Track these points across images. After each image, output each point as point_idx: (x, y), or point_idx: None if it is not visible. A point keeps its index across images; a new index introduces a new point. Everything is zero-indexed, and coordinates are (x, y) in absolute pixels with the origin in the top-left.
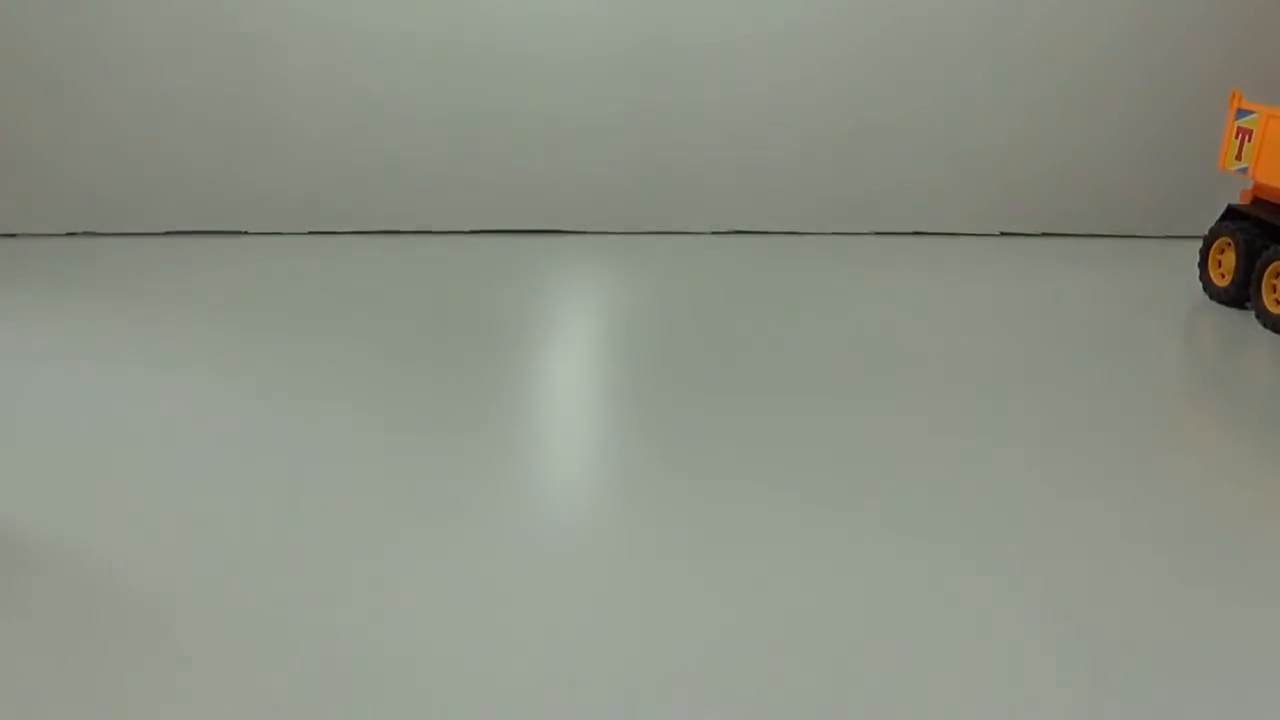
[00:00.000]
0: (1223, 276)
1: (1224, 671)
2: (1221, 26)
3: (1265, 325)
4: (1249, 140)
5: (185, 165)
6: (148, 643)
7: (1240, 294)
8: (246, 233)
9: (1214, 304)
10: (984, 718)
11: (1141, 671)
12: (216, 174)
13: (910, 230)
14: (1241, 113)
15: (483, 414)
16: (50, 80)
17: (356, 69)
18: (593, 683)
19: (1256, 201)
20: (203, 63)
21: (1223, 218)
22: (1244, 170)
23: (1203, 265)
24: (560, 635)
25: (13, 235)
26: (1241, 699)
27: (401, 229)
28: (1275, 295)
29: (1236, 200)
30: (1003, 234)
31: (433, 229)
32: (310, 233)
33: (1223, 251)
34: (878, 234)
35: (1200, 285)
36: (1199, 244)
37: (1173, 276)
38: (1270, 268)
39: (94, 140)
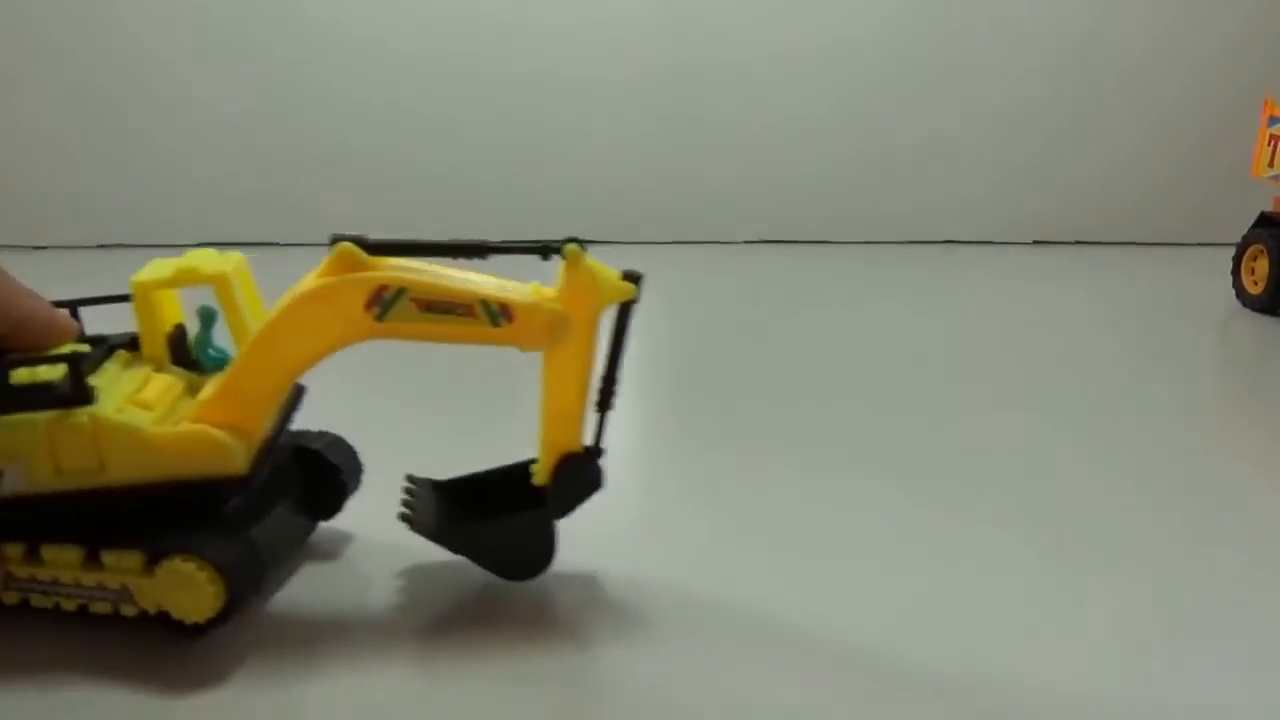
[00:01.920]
0: (1255, 284)
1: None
2: (1254, 34)
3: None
4: None
5: (216, 178)
6: None
7: (1273, 301)
8: (278, 244)
9: (1247, 311)
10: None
11: (1200, 663)
12: (248, 187)
13: (943, 239)
14: (1274, 120)
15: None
16: (82, 95)
17: (396, 88)
18: None
19: None
20: (236, 79)
21: (1256, 225)
22: (1277, 177)
23: (1235, 272)
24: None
25: (43, 247)
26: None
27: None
28: None
29: (1269, 207)
30: (1036, 242)
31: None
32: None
33: (1255, 259)
34: (911, 243)
35: (1233, 292)
36: (1232, 251)
37: (1205, 284)
38: None
39: (126, 154)
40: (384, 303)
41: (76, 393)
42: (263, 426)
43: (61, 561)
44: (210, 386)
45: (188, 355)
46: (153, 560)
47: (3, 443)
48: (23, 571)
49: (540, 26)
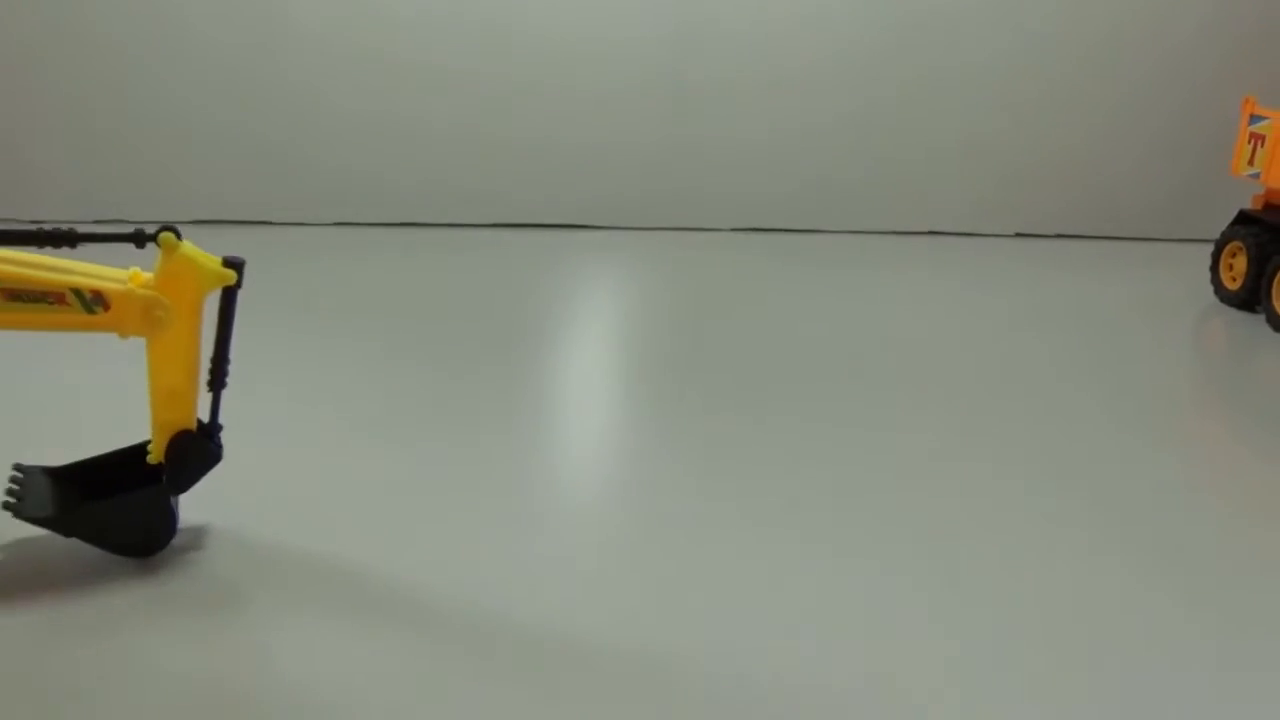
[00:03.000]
0: (1234, 280)
1: (1226, 668)
2: (1235, 32)
3: (1276, 329)
4: (1261, 146)
5: (212, 156)
6: None
7: (1251, 298)
8: (270, 223)
9: (1224, 307)
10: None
11: (1152, 674)
12: (244, 165)
13: (926, 230)
14: (1254, 118)
15: (490, 407)
16: (71, 73)
17: (374, 56)
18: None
19: (1269, 207)
20: (232, 58)
21: (1234, 222)
22: (1256, 175)
23: (1214, 269)
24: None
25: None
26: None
27: (421, 221)
28: None
29: (1248, 205)
30: (1017, 235)
31: (454, 222)
32: (335, 224)
33: (1234, 255)
34: (895, 233)
35: (1211, 288)
36: (1210, 248)
37: (1184, 279)
38: None
39: (118, 130)
40: None
41: None
42: None
43: None
44: None
45: None
46: None
47: None
48: None
49: (527, 9)
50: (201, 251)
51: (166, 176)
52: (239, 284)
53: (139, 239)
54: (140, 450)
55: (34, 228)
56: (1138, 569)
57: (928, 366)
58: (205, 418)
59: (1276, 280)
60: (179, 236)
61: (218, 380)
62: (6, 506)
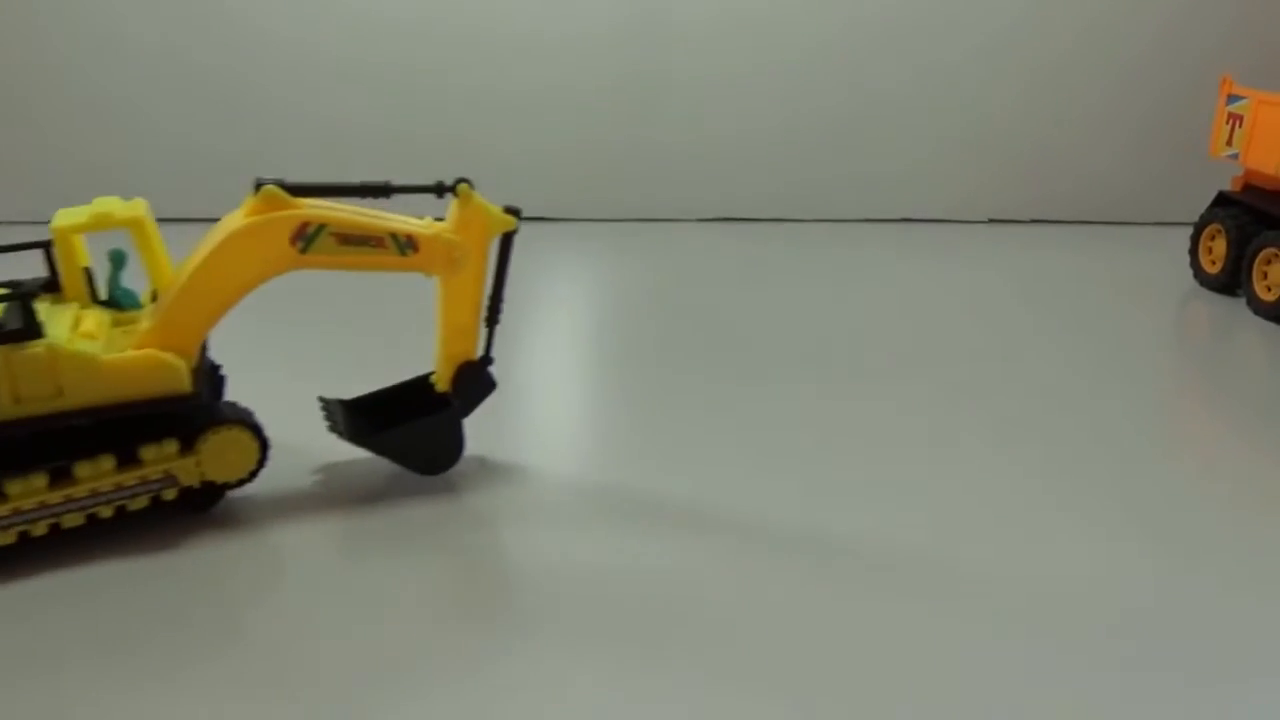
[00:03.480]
0: (1213, 263)
1: (1222, 660)
2: (1212, 11)
3: (1256, 312)
4: (1239, 126)
5: (205, 152)
6: None
7: (1231, 281)
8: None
9: (1205, 291)
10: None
11: (1138, 657)
12: (232, 159)
13: (899, 217)
14: (1232, 98)
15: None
16: (69, 68)
17: (339, 51)
18: None
19: (1248, 188)
20: (216, 48)
21: (1214, 204)
22: (1235, 156)
23: (1193, 252)
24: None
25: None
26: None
27: None
28: (1266, 282)
29: (1227, 187)
30: (991, 220)
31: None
32: None
33: (1213, 238)
34: (867, 221)
35: (1191, 272)
36: (1190, 231)
37: (1163, 263)
38: (1261, 255)
39: (115, 127)
40: (307, 237)
41: (29, 327)
42: (197, 351)
43: (98, 473)
44: (147, 318)
45: (96, 294)
46: (190, 441)
47: None
48: (54, 498)
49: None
50: (488, 202)
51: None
52: (516, 230)
53: (439, 190)
54: (418, 383)
55: (354, 182)
56: (1131, 545)
57: (906, 348)
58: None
59: (1257, 262)
60: (473, 188)
61: (494, 317)
62: (331, 429)
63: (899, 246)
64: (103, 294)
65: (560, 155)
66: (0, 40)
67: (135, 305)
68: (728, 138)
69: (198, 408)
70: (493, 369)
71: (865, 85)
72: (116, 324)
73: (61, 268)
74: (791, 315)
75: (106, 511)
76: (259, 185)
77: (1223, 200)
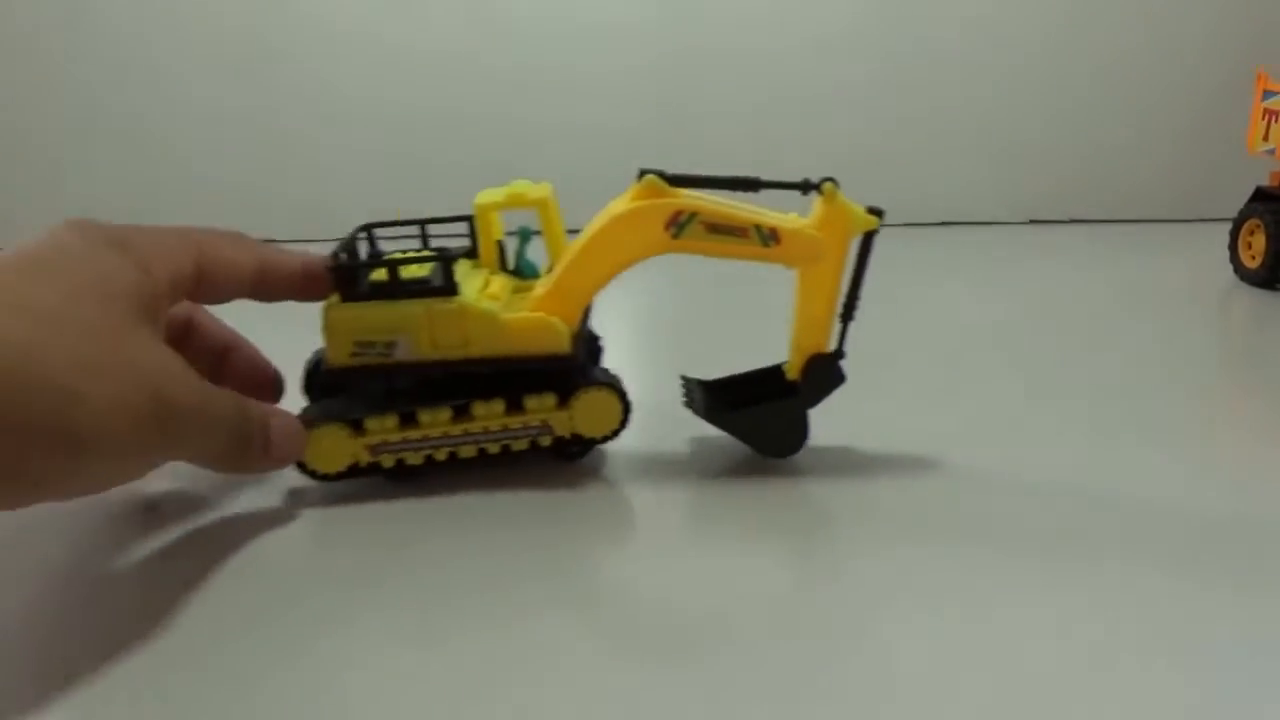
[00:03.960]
0: (1253, 259)
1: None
2: (1249, 6)
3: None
4: (1276, 121)
5: (203, 170)
6: None
7: (1271, 275)
8: (273, 240)
9: (1245, 286)
10: None
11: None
12: (234, 179)
13: (938, 220)
14: (1268, 94)
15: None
16: (62, 83)
17: (361, 69)
18: None
19: None
20: (217, 65)
21: (1252, 200)
22: (1271, 152)
23: (1232, 248)
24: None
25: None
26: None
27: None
28: None
29: (1265, 182)
30: (1031, 221)
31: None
32: (330, 240)
33: (1252, 234)
34: (905, 225)
35: (1231, 268)
36: (1229, 227)
37: (1203, 260)
38: None
39: (107, 143)
40: (679, 224)
41: (448, 285)
42: (578, 318)
43: (491, 414)
44: (541, 286)
45: (505, 264)
46: (565, 397)
47: (396, 320)
48: (455, 430)
49: (533, 10)
50: (852, 201)
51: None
52: (878, 229)
53: (805, 187)
54: (769, 372)
55: (727, 175)
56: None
57: (942, 356)
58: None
59: None
60: (838, 186)
61: (849, 313)
62: (686, 405)
63: (939, 249)
64: (510, 264)
65: (592, 162)
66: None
67: (535, 275)
68: (760, 139)
69: (575, 368)
70: (844, 363)
71: (901, 88)
72: (516, 290)
73: (480, 239)
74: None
75: (494, 448)
76: (642, 174)
77: (1261, 195)
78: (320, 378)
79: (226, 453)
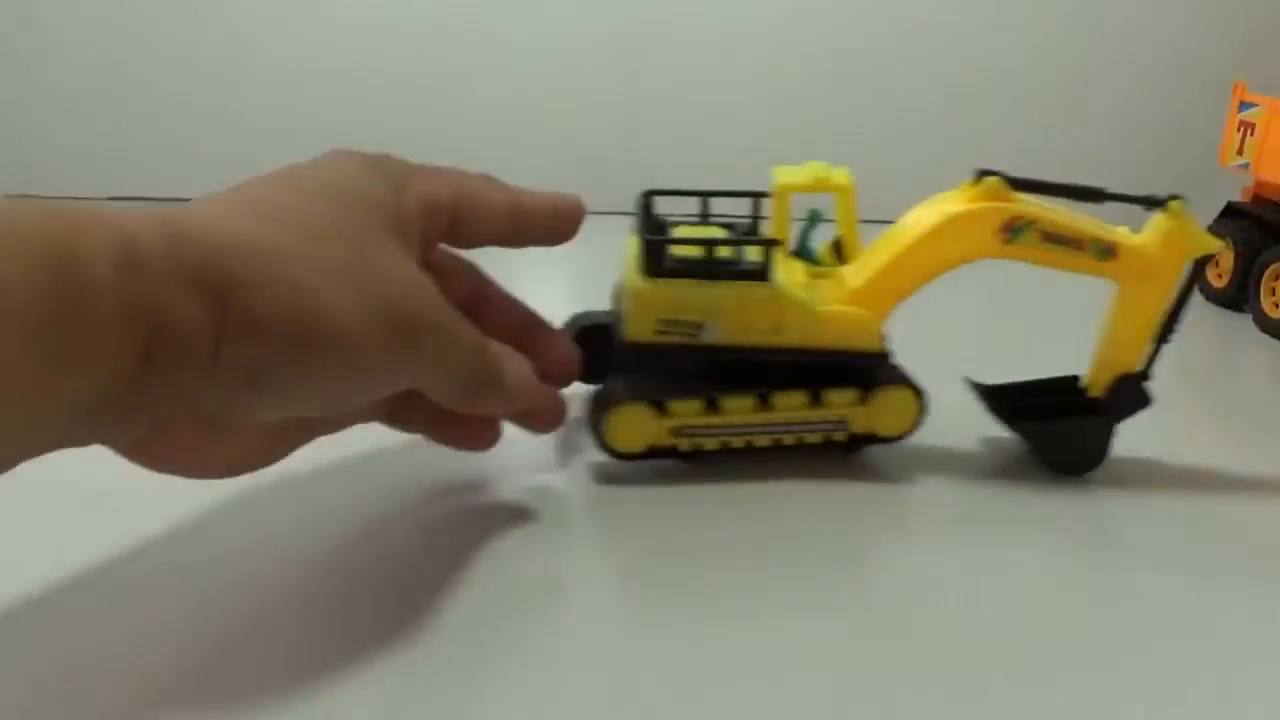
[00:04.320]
0: (1220, 277)
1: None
2: (1224, 18)
3: (1263, 329)
4: (1251, 134)
5: (131, 128)
6: None
7: (1238, 296)
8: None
9: (1210, 305)
10: None
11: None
12: (164, 138)
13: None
14: (1244, 105)
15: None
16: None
17: (332, 48)
18: None
19: (1258, 200)
20: (162, 26)
21: (1221, 215)
22: (1245, 166)
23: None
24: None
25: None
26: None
27: None
28: (1274, 298)
29: (1237, 198)
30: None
31: None
32: None
33: (1220, 252)
34: (872, 222)
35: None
36: None
37: None
38: (1270, 269)
39: (35, 99)
40: (1015, 229)
41: (765, 270)
42: (890, 314)
43: (791, 405)
44: (849, 277)
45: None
46: (866, 393)
47: (709, 301)
48: (755, 419)
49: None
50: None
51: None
52: (1215, 255)
53: (1151, 202)
54: (1060, 383)
55: (1070, 184)
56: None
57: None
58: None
59: (1265, 277)
60: (1186, 204)
61: (1165, 335)
62: (988, 410)
63: None
64: (790, 247)
65: (553, 149)
66: None
67: (813, 261)
68: (730, 137)
69: (879, 365)
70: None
71: (876, 90)
72: (812, 277)
73: (775, 220)
74: None
75: (789, 440)
76: (981, 174)
77: (1231, 212)
78: (611, 351)
79: (464, 383)
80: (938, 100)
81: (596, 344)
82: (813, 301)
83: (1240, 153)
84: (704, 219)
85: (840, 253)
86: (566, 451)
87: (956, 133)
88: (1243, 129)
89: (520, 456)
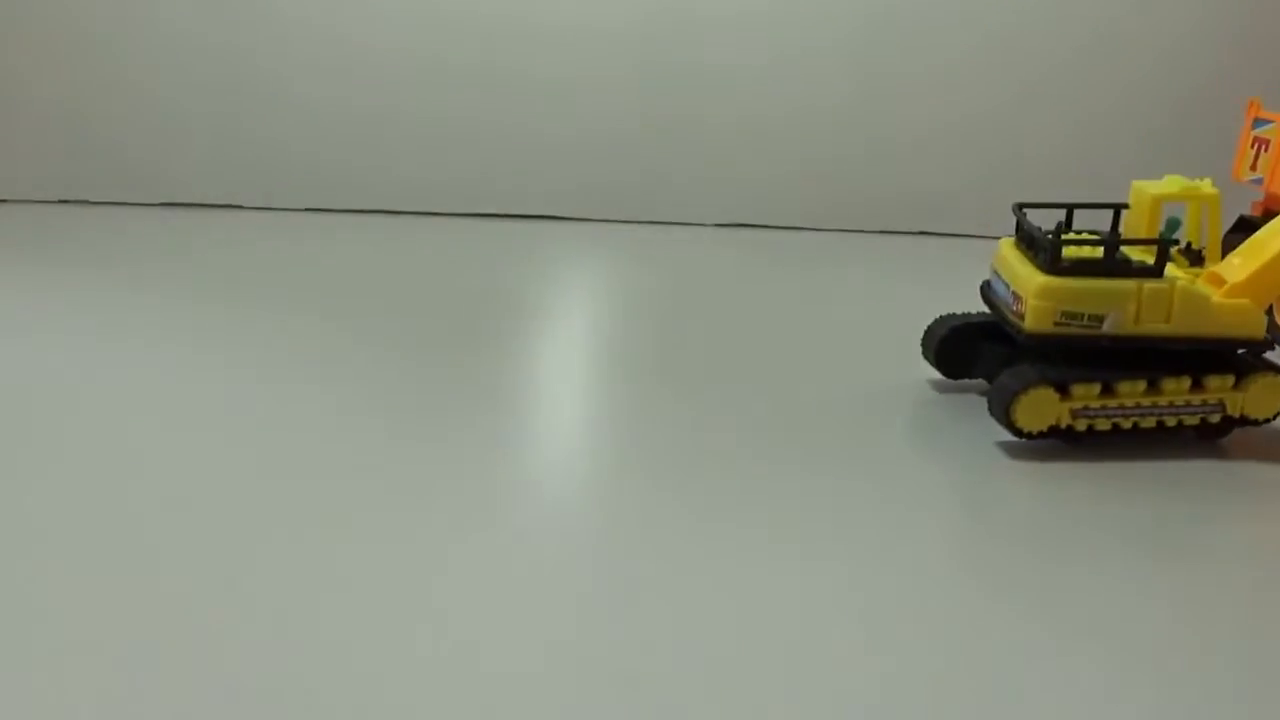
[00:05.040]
0: None
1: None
2: (1240, 32)
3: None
4: (1265, 150)
5: (184, 135)
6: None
7: None
8: (242, 207)
9: None
10: None
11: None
12: (214, 145)
13: (917, 230)
14: (1259, 122)
15: (471, 408)
16: (48, 38)
17: (357, 36)
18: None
19: (1268, 213)
20: (206, 32)
21: (1233, 229)
22: (1259, 181)
23: None
24: (562, 632)
25: (2, 201)
26: None
27: (395, 209)
28: None
29: (1248, 211)
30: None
31: (429, 210)
32: (306, 209)
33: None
34: (883, 233)
35: None
36: None
37: None
38: None
39: (91, 105)
40: None
41: (1160, 268)
42: (1269, 306)
43: (1177, 389)
44: (1234, 274)
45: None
46: (1240, 378)
47: (1111, 296)
48: (1146, 401)
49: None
50: None
51: (132, 158)
52: None
53: None
54: None
55: None
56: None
57: (912, 372)
58: None
59: None
60: None
61: None
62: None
63: (915, 260)
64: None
65: (573, 151)
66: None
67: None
68: (745, 141)
69: (1258, 354)
70: None
71: (888, 99)
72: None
73: (1144, 227)
74: (798, 329)
75: (1171, 421)
76: None
77: (1243, 224)
78: (1010, 340)
79: None
80: (947, 114)
81: (966, 343)
82: (1205, 295)
83: (1254, 168)
84: (1068, 227)
85: (1192, 255)
86: (967, 435)
87: (965, 147)
88: (1257, 145)
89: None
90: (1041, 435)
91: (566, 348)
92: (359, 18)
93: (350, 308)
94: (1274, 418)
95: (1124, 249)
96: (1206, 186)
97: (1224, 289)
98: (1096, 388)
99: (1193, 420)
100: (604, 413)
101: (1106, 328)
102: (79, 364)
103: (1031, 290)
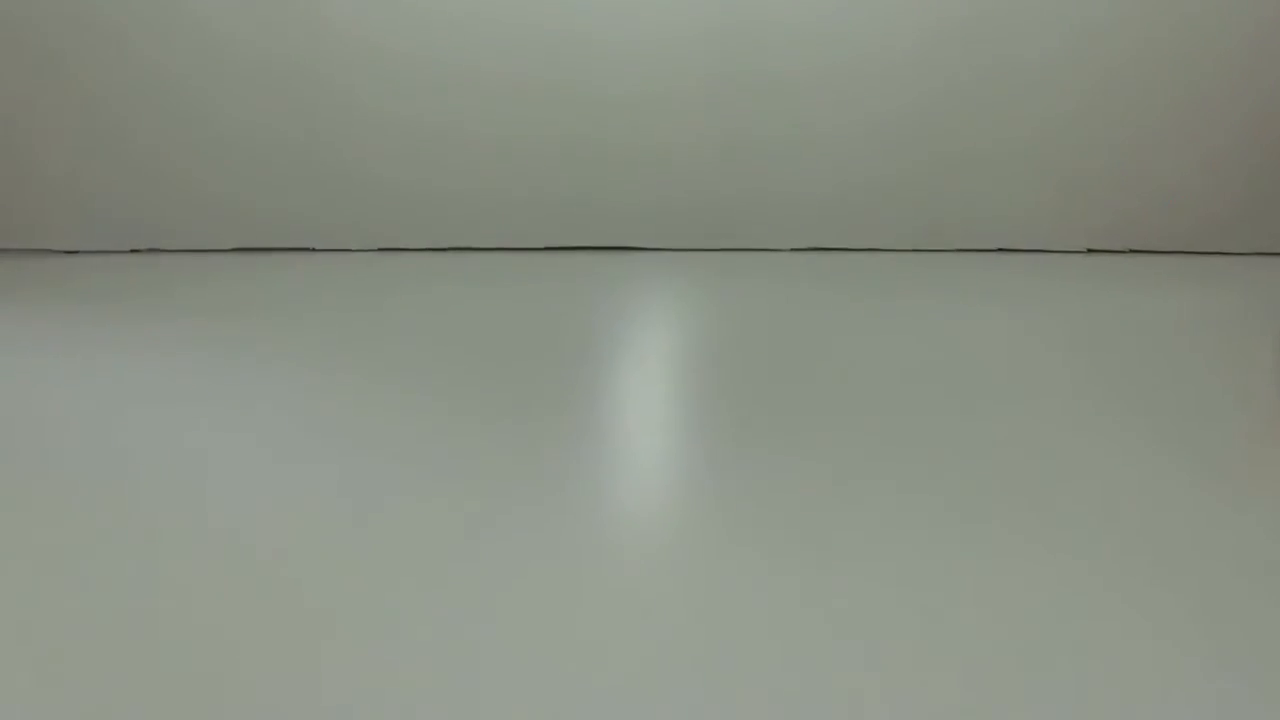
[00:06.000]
0: None
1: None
2: None
3: None
4: None
5: (250, 182)
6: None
7: None
8: (313, 249)
9: None
10: None
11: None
12: (279, 191)
13: (994, 247)
14: None
15: (539, 450)
16: (114, 90)
17: (419, 50)
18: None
19: None
20: (266, 79)
21: None
22: None
23: None
24: (626, 679)
25: (74, 252)
26: None
27: (468, 245)
28: None
29: None
30: (1090, 251)
31: (500, 245)
32: (380, 249)
33: None
34: (961, 251)
35: None
36: None
37: (1263, 294)
38: None
39: (156, 155)
40: None
41: None
42: None
43: None
44: None
45: None
46: None
47: None
48: None
49: (587, 35)
50: None
51: (199, 201)
52: None
53: None
54: None
55: None
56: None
57: (1003, 391)
58: None
59: None
60: None
61: None
62: None
63: (996, 278)
64: None
65: (648, 184)
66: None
67: None
68: (821, 164)
69: None
70: None
71: (961, 117)
72: None
73: None
74: (881, 352)
75: None
76: None
77: None
78: None
79: None
80: (1022, 126)
81: None
82: None
83: None
84: None
85: None
86: None
87: (1043, 159)
88: None
89: None
90: None
91: (639, 388)
92: (419, 41)
93: (426, 358)
94: None
95: None
96: None
97: None
98: None
99: None
100: (682, 460)
101: None
102: (134, 414)
103: None
